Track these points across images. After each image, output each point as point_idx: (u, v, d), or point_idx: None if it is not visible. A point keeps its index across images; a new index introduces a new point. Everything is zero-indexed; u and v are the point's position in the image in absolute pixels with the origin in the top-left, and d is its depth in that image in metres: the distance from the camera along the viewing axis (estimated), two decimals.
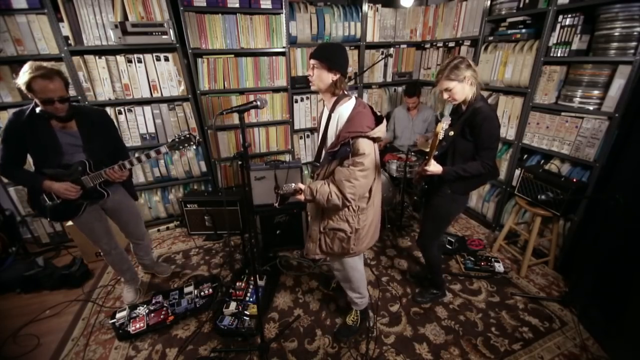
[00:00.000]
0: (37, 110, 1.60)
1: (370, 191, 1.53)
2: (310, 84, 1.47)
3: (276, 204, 1.50)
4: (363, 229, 1.57)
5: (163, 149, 1.79)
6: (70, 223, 2.49)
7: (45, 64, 1.57)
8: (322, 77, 1.41)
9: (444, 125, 1.46)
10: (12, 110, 2.46)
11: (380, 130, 1.40)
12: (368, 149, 1.37)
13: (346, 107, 1.44)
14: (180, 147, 1.78)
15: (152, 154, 1.79)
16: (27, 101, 2.48)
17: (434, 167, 1.66)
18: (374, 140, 1.42)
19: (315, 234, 1.62)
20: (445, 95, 1.69)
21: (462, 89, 1.64)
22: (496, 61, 2.68)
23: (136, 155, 1.81)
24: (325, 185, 1.44)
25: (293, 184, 1.46)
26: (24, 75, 1.50)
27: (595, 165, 2.11)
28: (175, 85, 2.78)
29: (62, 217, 1.87)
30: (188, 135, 1.79)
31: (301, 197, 1.47)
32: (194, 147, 1.73)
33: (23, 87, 1.52)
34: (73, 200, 1.76)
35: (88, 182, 1.76)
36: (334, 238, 1.58)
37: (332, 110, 1.47)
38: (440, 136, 1.47)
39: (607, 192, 2.00)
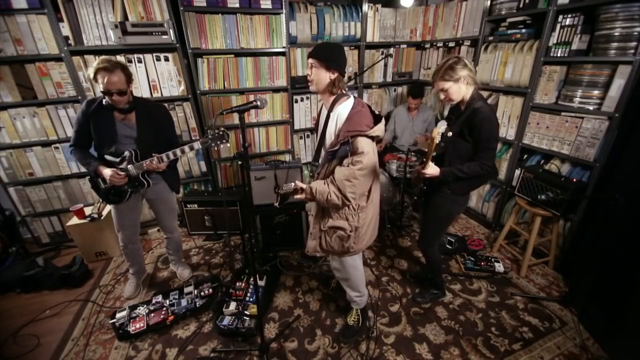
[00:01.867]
0: (104, 101, 1.77)
1: (369, 189, 1.53)
2: (309, 83, 1.47)
3: (276, 204, 1.51)
4: (363, 227, 1.58)
5: (196, 145, 1.82)
6: (70, 223, 2.53)
7: (112, 57, 1.74)
8: (321, 76, 1.42)
9: (439, 130, 1.47)
10: (12, 110, 2.51)
11: (379, 129, 1.41)
12: (367, 148, 1.38)
13: (345, 107, 1.45)
14: (213, 144, 1.76)
15: (186, 149, 1.86)
16: (26, 101, 2.51)
17: (432, 170, 1.67)
18: (373, 139, 1.42)
19: (317, 232, 1.63)
20: (442, 96, 1.69)
21: (458, 89, 1.64)
22: (496, 61, 2.68)
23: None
24: (325, 185, 1.44)
25: (293, 183, 1.47)
26: (92, 67, 1.66)
27: (595, 165, 2.11)
28: (175, 85, 2.78)
29: (112, 200, 2.00)
30: (221, 133, 1.75)
31: (301, 196, 1.47)
32: (227, 144, 1.78)
33: (92, 78, 1.67)
34: (120, 186, 1.91)
35: (132, 170, 1.88)
36: (334, 236, 1.58)
37: (330, 110, 1.47)
38: (437, 140, 1.48)
39: (607, 192, 2.00)
